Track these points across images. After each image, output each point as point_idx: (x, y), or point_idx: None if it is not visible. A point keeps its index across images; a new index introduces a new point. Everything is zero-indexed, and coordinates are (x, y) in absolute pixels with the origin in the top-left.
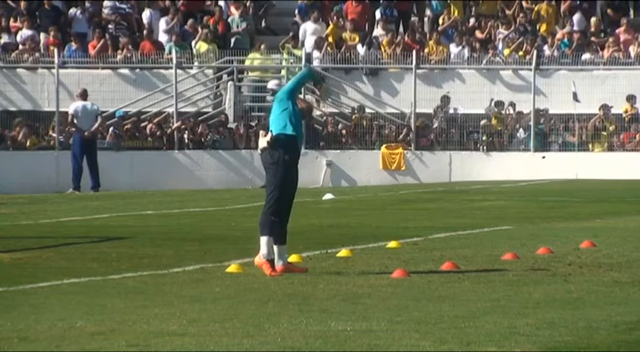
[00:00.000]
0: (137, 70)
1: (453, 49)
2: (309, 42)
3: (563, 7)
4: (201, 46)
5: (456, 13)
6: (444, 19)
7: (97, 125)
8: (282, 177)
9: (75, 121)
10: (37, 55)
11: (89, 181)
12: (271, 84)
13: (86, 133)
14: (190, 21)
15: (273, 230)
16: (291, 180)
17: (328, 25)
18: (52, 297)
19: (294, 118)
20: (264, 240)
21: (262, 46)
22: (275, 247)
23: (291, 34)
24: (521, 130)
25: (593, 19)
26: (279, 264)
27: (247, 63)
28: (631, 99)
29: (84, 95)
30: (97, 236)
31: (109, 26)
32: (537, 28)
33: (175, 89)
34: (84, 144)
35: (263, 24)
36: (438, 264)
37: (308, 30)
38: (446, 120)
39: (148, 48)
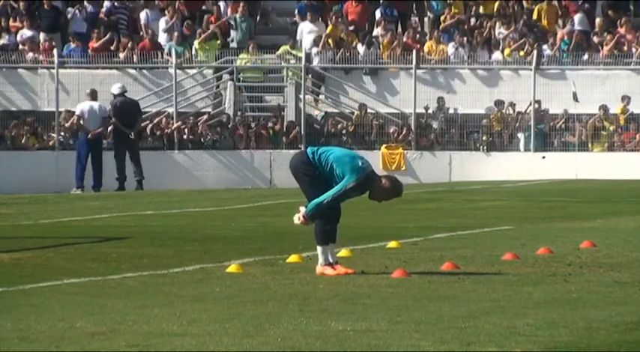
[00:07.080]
0: (137, 70)
1: (450, 49)
2: (306, 42)
3: (563, 6)
4: (197, 46)
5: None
6: (445, 18)
7: (101, 128)
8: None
9: (81, 122)
10: (37, 55)
11: (90, 180)
12: (114, 88)
13: (89, 134)
14: (186, 22)
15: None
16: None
17: (327, 25)
18: (52, 297)
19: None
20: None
21: (251, 47)
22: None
23: (293, 34)
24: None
25: (595, 20)
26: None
27: (238, 63)
28: (625, 99)
29: (93, 95)
30: (97, 236)
31: (108, 26)
32: (540, 28)
33: (175, 89)
34: (89, 143)
35: (263, 24)
36: (438, 264)
37: (305, 30)
38: (446, 120)
39: (148, 48)
